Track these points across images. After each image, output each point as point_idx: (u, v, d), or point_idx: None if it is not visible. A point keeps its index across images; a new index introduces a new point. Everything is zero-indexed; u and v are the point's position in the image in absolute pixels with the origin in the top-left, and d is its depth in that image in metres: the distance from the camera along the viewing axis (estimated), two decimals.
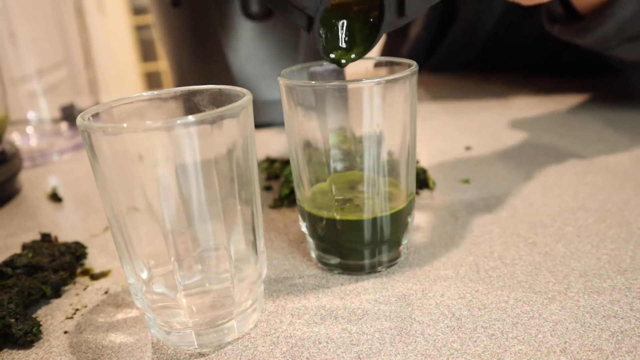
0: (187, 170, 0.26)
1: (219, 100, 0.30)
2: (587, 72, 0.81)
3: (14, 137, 0.68)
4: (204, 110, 0.31)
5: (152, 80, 2.53)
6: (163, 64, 2.46)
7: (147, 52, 2.52)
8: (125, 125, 0.24)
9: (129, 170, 0.26)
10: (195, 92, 0.31)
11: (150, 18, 2.39)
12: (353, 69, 0.36)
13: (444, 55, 0.90)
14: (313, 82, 0.31)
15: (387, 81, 0.30)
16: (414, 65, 0.32)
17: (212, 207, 0.27)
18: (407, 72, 0.30)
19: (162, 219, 0.26)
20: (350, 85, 0.30)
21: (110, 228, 0.28)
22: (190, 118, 0.24)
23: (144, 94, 0.30)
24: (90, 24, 0.75)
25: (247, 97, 0.27)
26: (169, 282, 0.28)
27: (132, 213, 0.26)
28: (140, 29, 2.51)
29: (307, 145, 0.33)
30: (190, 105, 0.31)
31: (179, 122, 0.24)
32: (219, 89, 0.30)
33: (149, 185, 0.26)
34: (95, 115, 0.28)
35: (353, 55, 0.33)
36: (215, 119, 0.25)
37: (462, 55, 0.90)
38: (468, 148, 0.56)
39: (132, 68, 2.50)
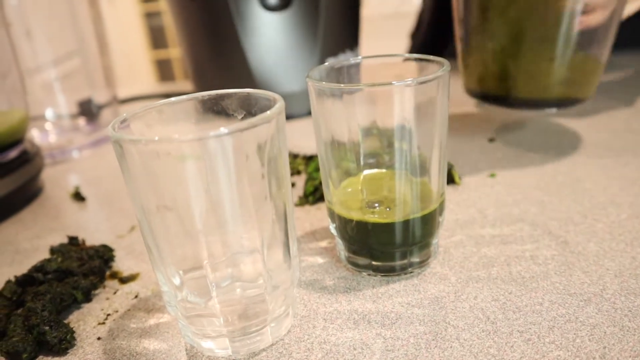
0: (217, 171, 0.25)
1: (247, 103, 0.30)
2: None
3: (33, 134, 0.68)
4: (233, 114, 0.30)
5: (164, 68, 2.52)
6: (174, 51, 2.45)
7: (157, 39, 2.51)
8: (156, 138, 0.24)
9: (159, 171, 0.25)
10: (223, 96, 0.30)
11: (160, 5, 2.38)
12: (383, 64, 0.35)
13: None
14: (342, 85, 0.30)
15: (419, 82, 0.29)
16: (446, 64, 0.31)
17: (244, 209, 0.27)
18: (439, 72, 0.30)
19: (193, 220, 0.26)
20: (381, 89, 0.29)
21: (141, 231, 0.28)
22: (223, 130, 0.24)
23: (172, 99, 0.30)
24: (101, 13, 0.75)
25: (280, 104, 0.27)
26: (201, 288, 0.28)
27: (163, 214, 0.26)
28: (149, 16, 2.49)
29: (337, 144, 0.32)
30: (219, 109, 0.31)
31: (211, 134, 0.24)
32: (248, 93, 0.30)
33: (180, 187, 0.26)
34: (124, 122, 0.28)
35: None
36: (248, 128, 0.25)
37: None
38: (491, 140, 0.55)
39: (143, 56, 2.49)
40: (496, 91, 0.52)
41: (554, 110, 0.51)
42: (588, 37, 0.47)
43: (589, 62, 0.49)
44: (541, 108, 0.51)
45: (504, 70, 0.50)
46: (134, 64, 2.42)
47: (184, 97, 0.30)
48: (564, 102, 0.51)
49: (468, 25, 0.52)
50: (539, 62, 0.48)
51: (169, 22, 2.42)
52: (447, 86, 0.31)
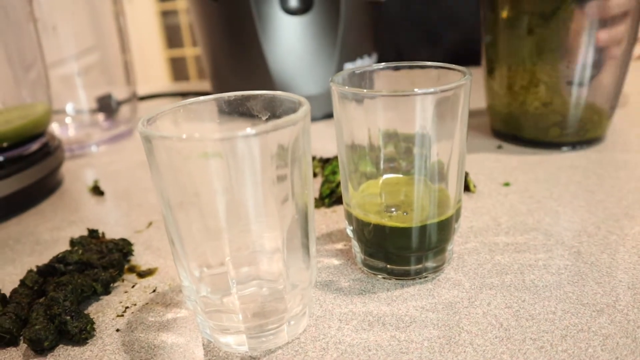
0: (243, 171, 0.26)
1: (272, 105, 0.31)
2: None
3: (53, 127, 0.69)
4: (257, 115, 0.31)
5: (178, 67, 2.54)
6: (189, 50, 2.47)
7: (172, 38, 2.53)
8: (184, 136, 0.25)
9: (185, 168, 0.26)
10: (249, 97, 0.31)
11: (176, 4, 2.40)
12: (404, 71, 0.36)
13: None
14: (365, 90, 0.31)
15: (442, 91, 0.30)
16: (468, 73, 0.31)
17: (267, 208, 0.27)
18: (461, 81, 0.30)
19: (217, 217, 0.27)
20: (404, 96, 0.30)
21: (165, 226, 0.29)
22: (250, 130, 0.24)
23: (200, 98, 0.31)
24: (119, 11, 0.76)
25: (306, 107, 0.27)
26: (221, 284, 0.29)
27: (187, 210, 0.27)
28: (165, 14, 2.51)
29: (357, 147, 0.33)
30: (244, 110, 0.31)
31: (240, 134, 0.24)
32: (273, 95, 0.30)
33: (205, 184, 0.26)
34: (151, 119, 0.29)
35: None
36: (275, 129, 0.25)
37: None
38: (499, 147, 0.56)
39: (157, 54, 2.51)
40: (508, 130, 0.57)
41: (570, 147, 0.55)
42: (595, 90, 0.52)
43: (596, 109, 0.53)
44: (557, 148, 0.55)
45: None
46: (148, 62, 2.44)
47: (211, 96, 0.31)
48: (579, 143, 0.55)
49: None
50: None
51: (185, 21, 2.44)
52: (468, 95, 0.31)
